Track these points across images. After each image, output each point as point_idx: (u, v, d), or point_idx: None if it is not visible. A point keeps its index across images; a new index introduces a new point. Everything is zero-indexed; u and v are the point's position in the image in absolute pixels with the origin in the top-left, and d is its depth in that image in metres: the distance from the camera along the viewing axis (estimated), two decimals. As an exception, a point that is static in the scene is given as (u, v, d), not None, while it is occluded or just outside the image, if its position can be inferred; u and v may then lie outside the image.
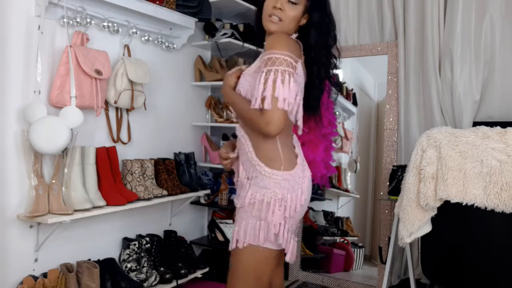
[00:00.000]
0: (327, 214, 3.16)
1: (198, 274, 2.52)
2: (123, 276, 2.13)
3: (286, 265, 2.93)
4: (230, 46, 2.81)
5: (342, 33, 2.87)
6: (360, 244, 3.07)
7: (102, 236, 2.24)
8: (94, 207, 1.96)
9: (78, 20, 2.02)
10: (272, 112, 1.27)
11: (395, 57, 2.65)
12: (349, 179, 3.17)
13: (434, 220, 1.77)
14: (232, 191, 2.67)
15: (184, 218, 2.81)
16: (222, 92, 1.50)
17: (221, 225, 2.77)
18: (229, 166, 1.54)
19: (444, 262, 1.82)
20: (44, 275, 1.90)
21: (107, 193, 2.06)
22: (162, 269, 2.34)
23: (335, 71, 3.06)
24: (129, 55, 2.32)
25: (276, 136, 1.35)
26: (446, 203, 1.70)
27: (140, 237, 2.40)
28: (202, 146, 2.93)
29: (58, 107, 1.91)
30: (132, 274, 2.21)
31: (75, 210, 1.89)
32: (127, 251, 2.27)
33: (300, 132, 1.46)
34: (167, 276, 2.29)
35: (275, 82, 1.27)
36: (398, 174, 2.31)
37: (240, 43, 2.70)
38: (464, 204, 1.66)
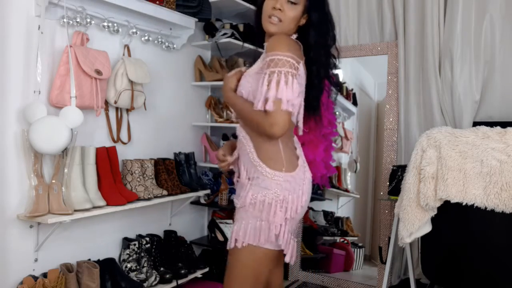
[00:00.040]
0: (327, 214, 3.16)
1: (198, 274, 2.52)
2: (123, 276, 2.13)
3: (286, 265, 2.93)
4: (230, 46, 2.81)
5: (342, 33, 2.87)
6: (360, 244, 3.07)
7: (102, 236, 2.24)
8: (94, 207, 1.96)
9: (78, 20, 2.02)
10: (276, 113, 1.28)
11: (395, 57, 2.65)
12: (349, 179, 3.17)
13: (434, 220, 1.77)
14: (232, 191, 2.67)
15: (184, 218, 2.81)
16: (223, 94, 1.50)
17: (221, 225, 2.77)
18: (226, 168, 1.55)
19: (444, 262, 1.82)
20: (44, 275, 1.90)
21: (107, 193, 2.06)
22: (162, 269, 2.34)
23: (335, 71, 3.07)
24: (129, 55, 2.32)
25: (280, 137, 1.36)
26: (446, 203, 1.71)
27: (140, 237, 2.40)
28: (202, 146, 2.93)
29: (58, 107, 1.91)
30: (132, 274, 2.21)
31: (75, 210, 1.89)
32: (127, 251, 2.27)
33: (300, 133, 1.46)
34: (167, 276, 2.29)
35: (279, 84, 1.27)
36: (398, 174, 2.32)
37: (240, 43, 2.70)
38: (464, 204, 1.66)
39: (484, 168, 1.62)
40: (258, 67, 1.40)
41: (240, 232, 1.36)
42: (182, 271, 2.37)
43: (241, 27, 2.80)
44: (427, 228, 1.78)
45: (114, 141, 2.28)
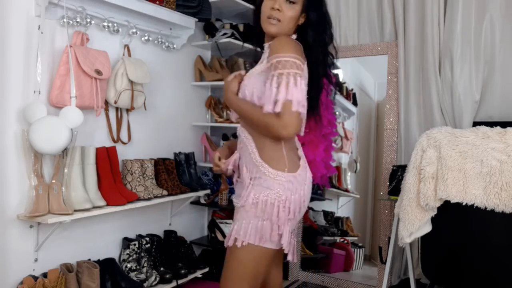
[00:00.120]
0: (327, 214, 3.16)
1: (198, 274, 2.52)
2: (123, 276, 2.13)
3: (286, 265, 2.93)
4: (230, 46, 2.81)
5: (342, 33, 2.87)
6: (360, 244, 3.07)
7: (102, 236, 2.24)
8: (94, 207, 1.96)
9: (78, 20, 2.02)
10: (289, 115, 1.28)
11: (395, 57, 2.65)
12: (349, 179, 3.17)
13: (434, 220, 1.77)
14: (232, 191, 2.67)
15: (184, 218, 2.81)
16: (224, 98, 1.49)
17: (221, 225, 2.77)
18: (218, 172, 1.56)
19: (444, 262, 1.82)
20: (44, 275, 1.90)
21: (107, 193, 2.06)
22: (162, 269, 2.34)
23: (335, 71, 3.07)
24: (129, 55, 2.32)
25: (292, 138, 1.36)
26: (446, 203, 1.71)
27: (140, 237, 2.40)
28: (202, 146, 2.93)
29: (58, 107, 1.91)
30: (132, 274, 2.22)
31: (75, 210, 1.89)
32: (127, 251, 2.27)
33: (301, 133, 1.46)
34: (167, 276, 2.29)
35: (288, 85, 1.28)
36: (398, 174, 2.31)
37: (240, 43, 2.70)
38: (464, 204, 1.66)
39: (484, 168, 1.62)
40: (262, 68, 1.40)
41: (240, 232, 1.36)
42: (182, 271, 2.37)
43: (241, 27, 2.80)
44: (427, 228, 1.78)
45: (114, 141, 2.28)
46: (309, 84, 1.46)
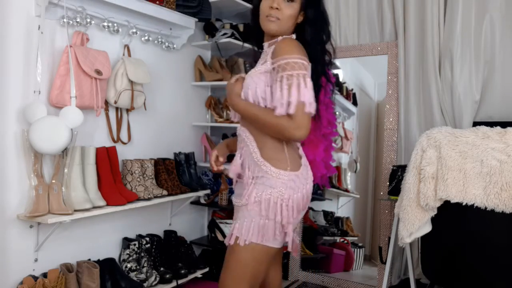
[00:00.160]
0: (327, 214, 3.16)
1: (198, 274, 2.52)
2: (123, 276, 2.13)
3: (286, 265, 2.93)
4: (230, 46, 2.81)
5: (342, 33, 2.87)
6: (360, 244, 3.07)
7: (102, 236, 2.24)
8: (94, 207, 1.96)
9: (78, 20, 2.02)
10: (302, 116, 1.29)
11: (395, 57, 2.65)
12: (349, 179, 3.17)
13: (434, 220, 1.77)
14: (232, 191, 2.67)
15: (184, 218, 2.81)
16: (229, 102, 1.46)
17: (221, 225, 2.77)
18: (215, 170, 1.58)
19: (444, 262, 1.82)
20: (44, 275, 1.90)
21: (107, 193, 2.06)
22: (162, 269, 2.34)
23: (335, 71, 3.07)
24: (129, 55, 2.32)
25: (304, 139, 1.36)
26: (446, 203, 1.70)
27: (140, 237, 2.40)
28: (202, 146, 2.93)
29: (58, 107, 1.91)
30: (132, 274, 2.22)
31: (75, 210, 1.89)
32: (127, 251, 2.27)
33: None
34: (167, 276, 2.29)
35: (300, 87, 1.28)
36: (398, 174, 2.31)
37: (240, 43, 2.70)
38: (464, 204, 1.66)
39: (484, 168, 1.62)
40: (266, 68, 1.39)
41: (242, 230, 1.36)
42: (182, 271, 2.37)
43: (241, 27, 2.80)
44: (427, 228, 1.78)
45: (114, 141, 2.28)
46: None
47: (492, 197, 1.60)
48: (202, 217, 3.00)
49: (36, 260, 1.93)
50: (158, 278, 2.25)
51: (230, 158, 2.24)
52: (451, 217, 1.74)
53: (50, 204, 1.85)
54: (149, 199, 2.23)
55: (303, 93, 1.28)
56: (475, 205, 1.64)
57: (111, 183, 2.12)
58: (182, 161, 2.62)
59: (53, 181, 1.90)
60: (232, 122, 2.74)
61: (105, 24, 2.17)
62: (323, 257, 3.04)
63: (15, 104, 1.82)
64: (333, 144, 2.47)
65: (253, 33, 1.57)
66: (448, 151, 1.68)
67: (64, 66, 1.91)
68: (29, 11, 1.85)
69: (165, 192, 2.32)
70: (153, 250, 2.37)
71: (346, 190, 3.16)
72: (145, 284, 2.19)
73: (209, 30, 2.82)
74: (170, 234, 2.55)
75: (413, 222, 1.77)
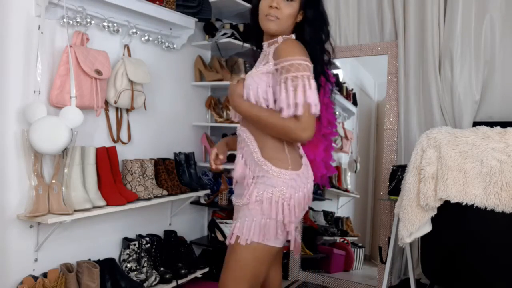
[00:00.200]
0: (327, 214, 3.16)
1: (198, 274, 2.52)
2: (123, 276, 2.13)
3: (286, 265, 2.93)
4: (230, 46, 2.81)
5: (342, 33, 2.87)
6: (360, 244, 3.07)
7: (102, 236, 2.24)
8: (94, 207, 1.96)
9: (78, 20, 2.02)
10: (308, 118, 1.30)
11: (395, 57, 2.65)
12: (349, 179, 3.17)
13: (434, 220, 1.77)
14: (232, 191, 2.67)
15: (184, 218, 2.81)
16: (232, 104, 1.45)
17: (221, 225, 2.77)
18: (213, 169, 1.59)
19: (444, 262, 1.82)
20: (44, 275, 1.90)
21: (107, 193, 2.06)
22: (162, 269, 2.34)
23: (335, 71, 3.07)
24: (129, 55, 2.32)
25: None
26: (446, 203, 1.70)
27: (140, 237, 2.40)
28: (202, 146, 2.93)
29: (58, 107, 1.91)
30: (132, 274, 2.22)
31: (75, 210, 1.89)
32: (127, 251, 2.27)
33: None
34: (167, 276, 2.29)
35: (305, 88, 1.29)
36: (398, 174, 2.31)
37: (240, 43, 2.70)
38: (464, 204, 1.66)
39: (484, 168, 1.62)
40: (268, 69, 1.38)
41: (243, 229, 1.36)
42: (182, 271, 2.37)
43: (241, 27, 2.80)
44: (427, 228, 1.78)
45: (114, 141, 2.28)
46: None
47: (492, 197, 1.60)
48: (202, 217, 3.00)
49: (36, 260, 1.93)
50: (158, 278, 2.25)
51: (230, 158, 2.25)
52: (451, 217, 1.74)
53: (50, 204, 1.85)
54: (149, 199, 2.23)
55: (309, 95, 1.29)
56: (475, 205, 1.64)
57: (111, 183, 2.12)
58: (182, 161, 2.62)
59: (53, 181, 1.90)
60: (232, 122, 2.74)
61: (105, 24, 2.17)
62: (323, 257, 3.04)
63: (15, 104, 1.82)
64: (333, 144, 2.47)
65: (252, 33, 1.56)
66: (448, 151, 1.68)
67: (64, 66, 1.91)
68: (29, 11, 1.85)
69: (165, 192, 2.32)
70: (153, 250, 2.37)
71: (346, 190, 3.16)
72: (145, 284, 2.19)
73: (209, 30, 2.82)
74: (170, 234, 2.55)
75: (413, 222, 1.77)
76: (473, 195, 1.64)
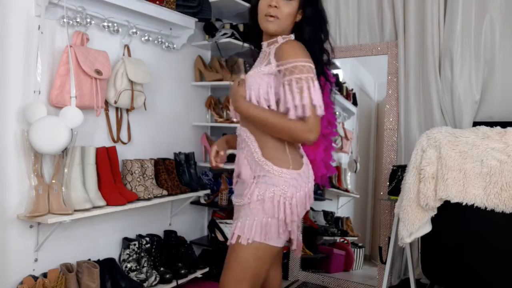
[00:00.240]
0: (327, 214, 3.16)
1: (198, 274, 2.52)
2: (123, 276, 2.13)
3: (286, 265, 2.93)
4: (230, 46, 2.81)
5: (342, 33, 2.87)
6: (360, 244, 3.07)
7: (102, 236, 2.24)
8: (94, 207, 1.96)
9: (78, 20, 2.02)
10: (314, 119, 1.31)
11: (395, 57, 2.65)
12: (349, 179, 3.17)
13: (434, 220, 1.77)
14: (232, 191, 2.67)
15: (184, 218, 2.81)
16: (236, 106, 1.43)
17: (221, 225, 2.77)
18: (215, 167, 1.59)
19: (444, 262, 1.82)
20: (44, 275, 1.90)
21: (107, 193, 2.06)
22: (162, 269, 2.34)
23: (335, 71, 3.07)
24: (129, 55, 2.32)
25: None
26: (446, 203, 1.70)
27: (140, 237, 2.40)
28: (202, 146, 2.93)
29: (58, 107, 1.91)
30: (132, 274, 2.21)
31: (75, 210, 1.89)
32: (127, 251, 2.27)
33: None
34: (167, 276, 2.29)
35: (310, 90, 1.30)
36: (398, 174, 2.31)
37: (240, 43, 2.70)
38: (464, 204, 1.66)
39: (484, 168, 1.62)
40: (270, 70, 1.38)
41: (245, 229, 1.35)
42: (182, 271, 2.37)
43: (241, 27, 2.80)
44: (427, 228, 1.78)
45: (114, 141, 2.28)
46: None
47: (492, 197, 1.61)
48: (202, 217, 3.00)
49: (36, 260, 1.93)
50: (158, 278, 2.25)
51: (230, 158, 2.25)
52: (451, 217, 1.74)
53: (50, 204, 1.85)
54: (149, 199, 2.23)
55: (314, 96, 1.29)
56: (475, 205, 1.64)
57: (111, 183, 2.12)
58: (182, 161, 2.62)
59: (53, 181, 1.90)
60: (232, 122, 2.74)
61: (105, 24, 2.17)
62: (323, 257, 3.04)
63: (15, 104, 1.82)
64: (333, 144, 2.47)
65: (251, 33, 1.56)
66: (448, 151, 1.68)
67: (64, 66, 1.91)
68: (29, 11, 1.85)
69: (165, 192, 2.32)
70: (153, 250, 2.37)
71: (346, 190, 3.16)
72: (145, 284, 2.19)
73: (209, 30, 2.82)
74: (170, 234, 2.55)
75: (413, 222, 1.77)
76: (473, 195, 1.64)
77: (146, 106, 2.41)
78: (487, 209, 1.62)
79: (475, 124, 1.96)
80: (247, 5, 2.74)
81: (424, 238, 1.87)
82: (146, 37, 2.42)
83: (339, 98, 3.01)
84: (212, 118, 2.93)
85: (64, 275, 1.90)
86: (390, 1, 2.67)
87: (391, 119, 2.66)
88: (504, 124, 1.70)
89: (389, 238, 2.33)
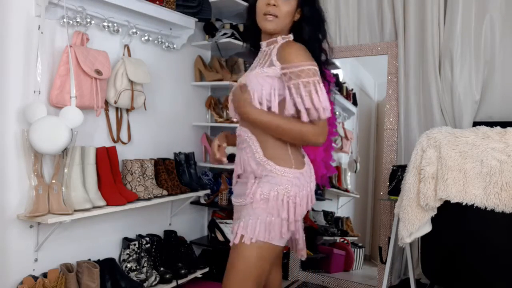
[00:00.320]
0: (327, 214, 3.16)
1: (198, 274, 2.52)
2: (123, 276, 2.13)
3: (286, 265, 2.93)
4: (230, 46, 2.81)
5: (342, 33, 2.87)
6: (360, 244, 3.07)
7: (102, 236, 2.24)
8: (94, 207, 1.96)
9: (78, 20, 2.02)
10: (323, 122, 1.34)
11: (395, 57, 2.65)
12: (349, 179, 3.17)
13: (434, 220, 1.77)
14: (232, 191, 2.67)
15: (184, 218, 2.81)
16: (239, 111, 1.41)
17: (221, 225, 2.77)
18: (217, 160, 1.59)
19: (444, 262, 1.82)
20: (44, 275, 1.90)
21: (107, 193, 2.06)
22: (162, 269, 2.34)
23: (335, 71, 3.07)
24: (129, 55, 2.32)
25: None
26: (446, 203, 1.70)
27: (140, 237, 2.40)
28: (202, 146, 2.93)
29: (58, 107, 1.91)
30: (132, 274, 2.22)
31: (75, 210, 1.89)
32: (127, 251, 2.27)
33: None
34: (167, 276, 2.29)
35: (318, 93, 1.31)
36: (398, 174, 2.31)
37: (240, 43, 2.70)
38: (464, 204, 1.66)
39: (484, 168, 1.62)
40: (273, 72, 1.37)
41: (248, 229, 1.35)
42: (182, 271, 2.37)
43: (241, 27, 2.80)
44: (427, 228, 1.78)
45: (114, 141, 2.28)
46: None
47: (492, 197, 1.61)
48: (202, 217, 3.00)
49: (36, 260, 1.93)
50: (158, 278, 2.25)
51: (230, 158, 2.25)
52: (451, 217, 1.74)
53: (50, 204, 1.85)
54: (149, 199, 2.23)
55: (323, 100, 1.31)
56: (475, 205, 1.64)
57: (111, 183, 2.12)
58: (182, 161, 2.62)
59: (53, 181, 1.90)
60: (232, 122, 2.74)
61: (105, 24, 2.17)
62: (323, 257, 3.04)
63: (15, 104, 1.82)
64: (333, 144, 2.47)
65: (249, 32, 1.55)
66: (448, 151, 1.68)
67: (64, 66, 1.91)
68: (29, 11, 1.85)
69: (165, 192, 2.32)
70: (153, 250, 2.37)
71: (346, 190, 3.16)
72: (145, 284, 2.19)
73: (209, 30, 2.82)
74: (170, 234, 2.55)
75: (413, 222, 1.77)
76: (473, 195, 1.64)
77: (146, 106, 2.41)
78: (487, 209, 1.62)
79: (475, 124, 1.96)
80: (247, 5, 2.74)
81: (424, 238, 1.87)
82: (146, 37, 2.42)
83: (339, 98, 3.01)
84: (212, 118, 2.93)
85: (64, 275, 1.90)
86: (390, 1, 2.67)
87: (391, 119, 2.66)
88: (504, 124, 1.70)
89: (389, 238, 2.33)
